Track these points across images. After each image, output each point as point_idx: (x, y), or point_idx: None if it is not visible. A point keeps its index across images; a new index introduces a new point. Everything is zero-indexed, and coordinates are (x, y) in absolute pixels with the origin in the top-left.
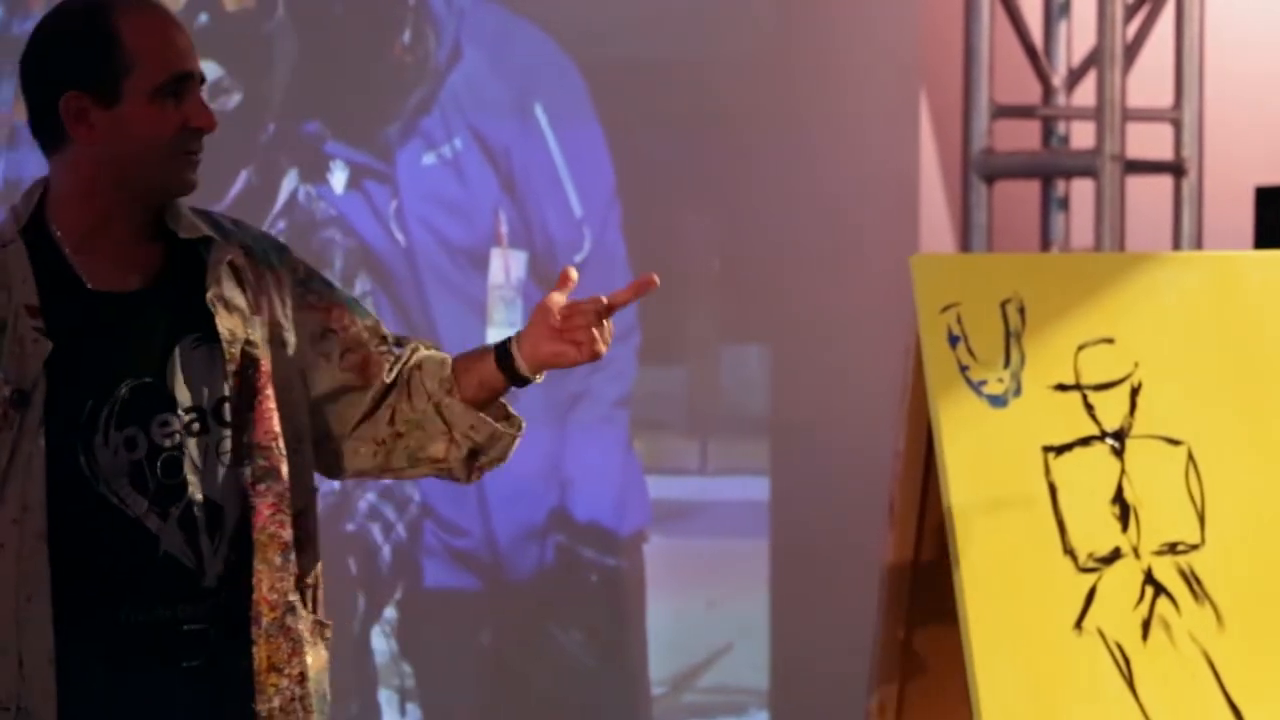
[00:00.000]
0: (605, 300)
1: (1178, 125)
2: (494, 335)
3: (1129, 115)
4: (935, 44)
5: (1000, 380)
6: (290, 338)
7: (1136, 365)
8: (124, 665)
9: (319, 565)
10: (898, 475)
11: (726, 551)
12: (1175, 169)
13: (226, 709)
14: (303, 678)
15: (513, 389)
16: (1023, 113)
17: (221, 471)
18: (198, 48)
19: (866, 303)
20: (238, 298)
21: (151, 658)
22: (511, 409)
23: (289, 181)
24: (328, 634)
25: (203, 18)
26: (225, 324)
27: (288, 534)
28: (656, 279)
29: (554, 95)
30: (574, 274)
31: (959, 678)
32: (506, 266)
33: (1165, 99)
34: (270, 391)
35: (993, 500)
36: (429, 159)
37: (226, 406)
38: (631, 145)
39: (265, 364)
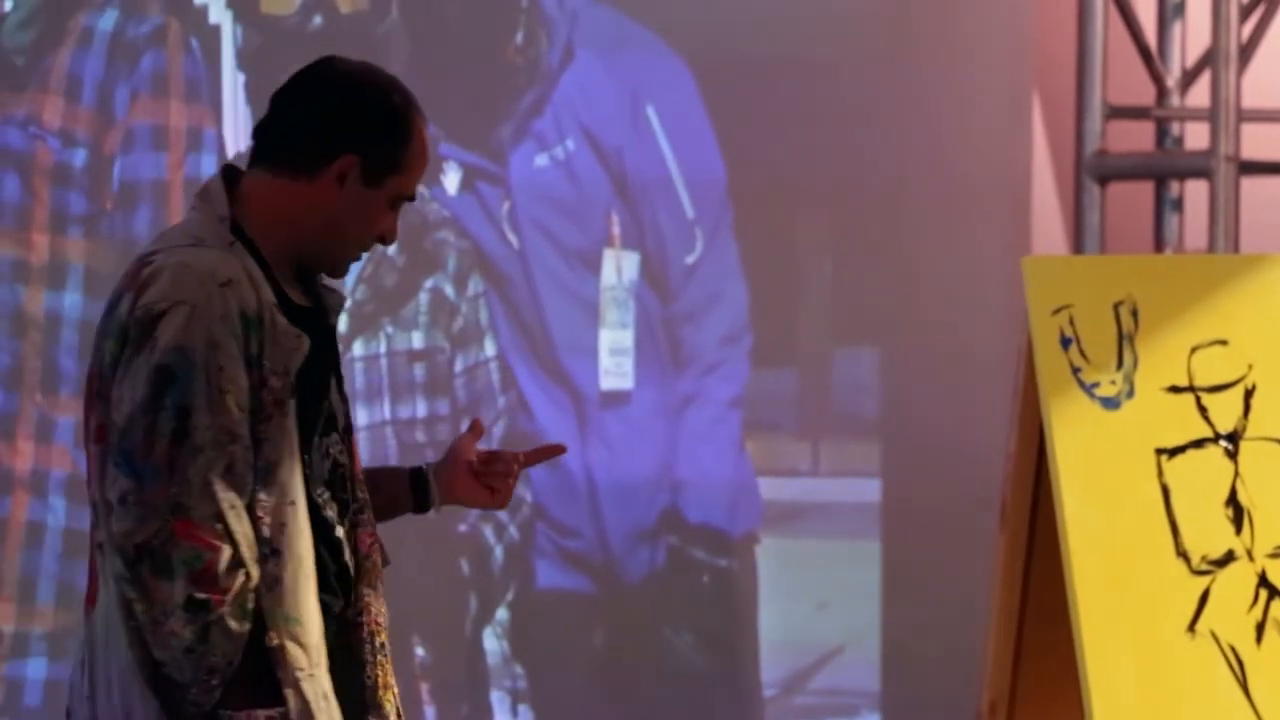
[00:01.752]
0: (521, 458)
1: None
2: (605, 337)
3: (1244, 116)
4: (1049, 45)
5: (1113, 382)
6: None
7: (1250, 367)
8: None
9: None
10: (1009, 477)
11: (838, 553)
12: None
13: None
14: (398, 695)
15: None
16: (1136, 114)
17: (351, 494)
18: (310, 50)
19: (978, 304)
20: None
21: (354, 645)
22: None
23: None
24: None
25: (317, 20)
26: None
27: (380, 564)
28: (566, 448)
29: (665, 96)
30: (482, 428)
31: (1071, 680)
32: (619, 268)
33: None
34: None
35: (1105, 502)
36: (541, 160)
37: (348, 435)
38: (743, 146)
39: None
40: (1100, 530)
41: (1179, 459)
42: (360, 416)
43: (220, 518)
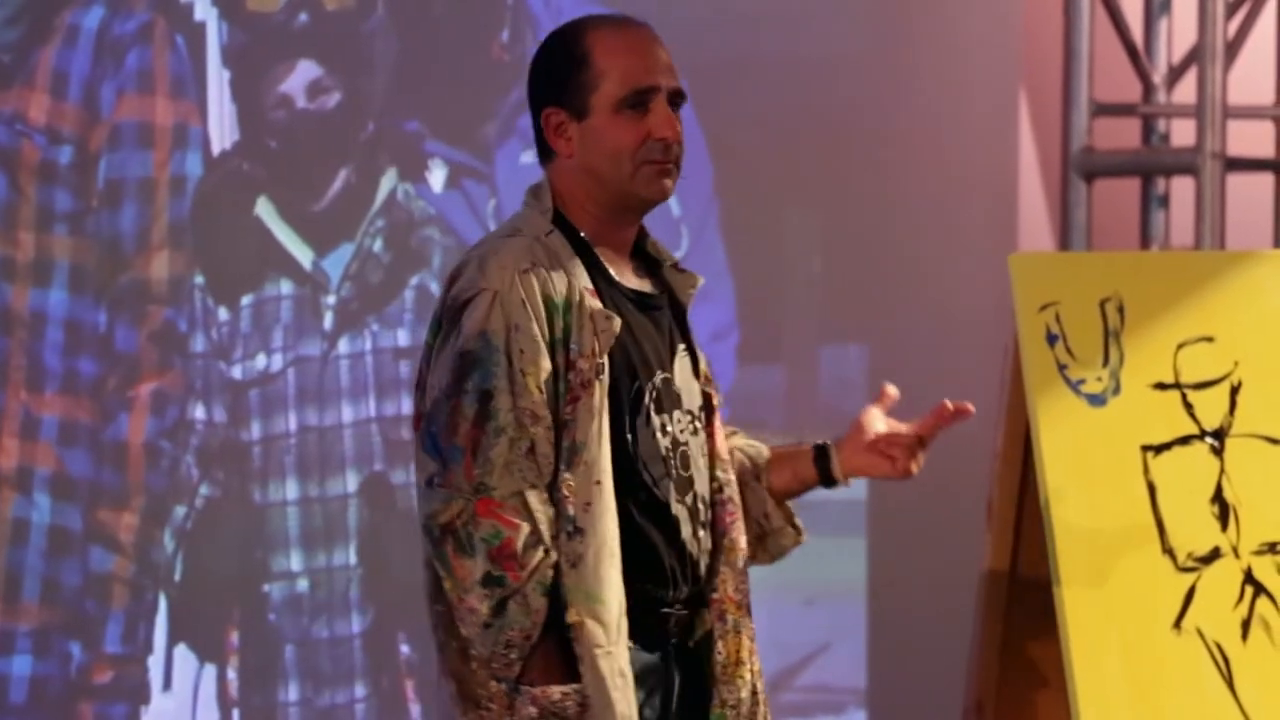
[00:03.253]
0: (921, 435)
1: (1279, 123)
2: None
3: (1230, 113)
4: (1035, 42)
5: (1099, 379)
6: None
7: (1236, 364)
8: (643, 638)
9: None
10: (996, 474)
11: (824, 550)
12: (1276, 166)
13: (702, 689)
14: (760, 673)
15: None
16: (1123, 111)
17: (706, 473)
18: (296, 48)
19: (965, 302)
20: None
21: (660, 634)
22: (799, 522)
23: (388, 180)
24: None
25: (302, 17)
26: (697, 343)
27: (744, 541)
28: (970, 408)
29: None
30: (893, 391)
31: (1057, 677)
32: None
33: (1267, 96)
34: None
35: (1091, 499)
36: (527, 158)
37: (703, 415)
38: (730, 144)
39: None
40: (1086, 527)
41: (1165, 456)
42: (346, 413)
43: (520, 496)
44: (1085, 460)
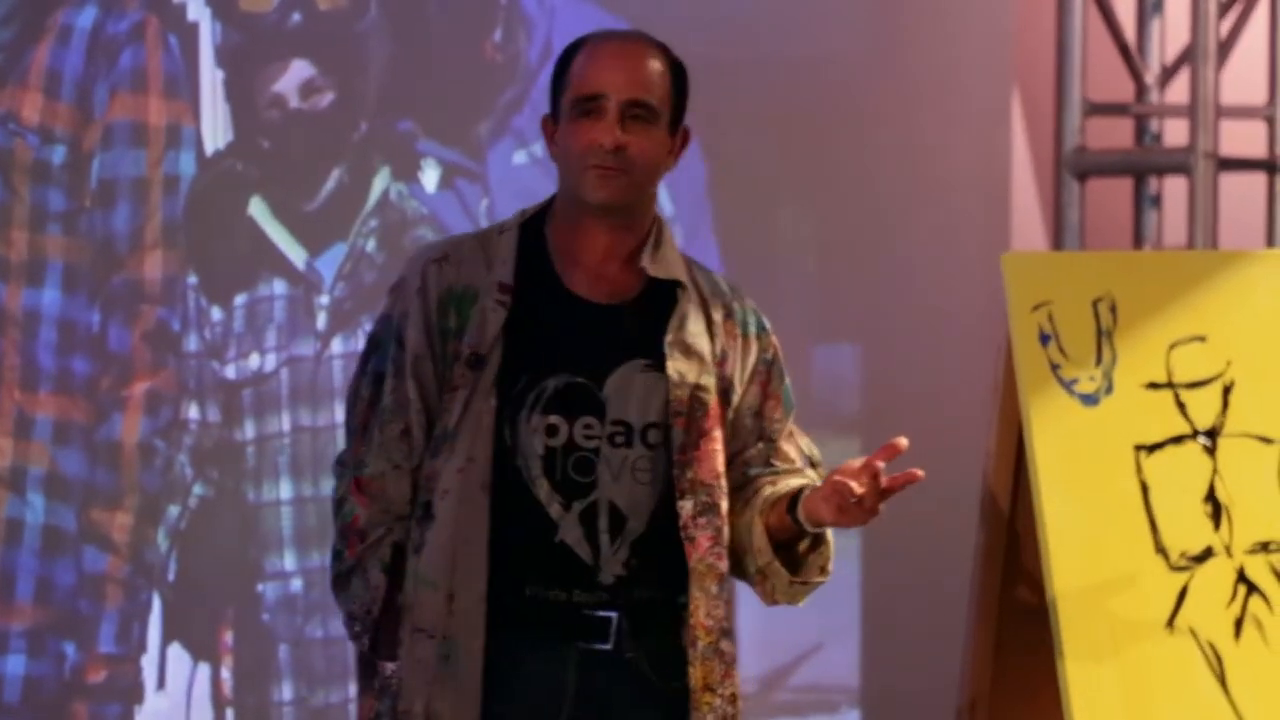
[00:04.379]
0: (872, 494)
1: (1272, 122)
2: None
3: (1222, 112)
4: (1028, 42)
5: (1092, 379)
6: (735, 399)
7: (1229, 364)
8: (529, 635)
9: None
10: (989, 473)
11: None
12: (1269, 166)
13: (623, 697)
14: (734, 698)
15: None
16: (1115, 110)
17: (634, 487)
18: (289, 48)
19: (958, 301)
20: (703, 345)
21: (552, 632)
22: (829, 565)
23: (381, 180)
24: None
25: (295, 17)
26: (677, 367)
27: (724, 565)
28: (903, 443)
29: None
30: (903, 444)
31: (1050, 677)
32: None
33: (1259, 96)
34: (718, 434)
35: (1084, 499)
36: (520, 157)
37: (653, 432)
38: (723, 144)
39: (714, 408)
40: (1079, 526)
41: (1158, 455)
42: (339, 413)
43: (383, 476)
44: (1078, 460)
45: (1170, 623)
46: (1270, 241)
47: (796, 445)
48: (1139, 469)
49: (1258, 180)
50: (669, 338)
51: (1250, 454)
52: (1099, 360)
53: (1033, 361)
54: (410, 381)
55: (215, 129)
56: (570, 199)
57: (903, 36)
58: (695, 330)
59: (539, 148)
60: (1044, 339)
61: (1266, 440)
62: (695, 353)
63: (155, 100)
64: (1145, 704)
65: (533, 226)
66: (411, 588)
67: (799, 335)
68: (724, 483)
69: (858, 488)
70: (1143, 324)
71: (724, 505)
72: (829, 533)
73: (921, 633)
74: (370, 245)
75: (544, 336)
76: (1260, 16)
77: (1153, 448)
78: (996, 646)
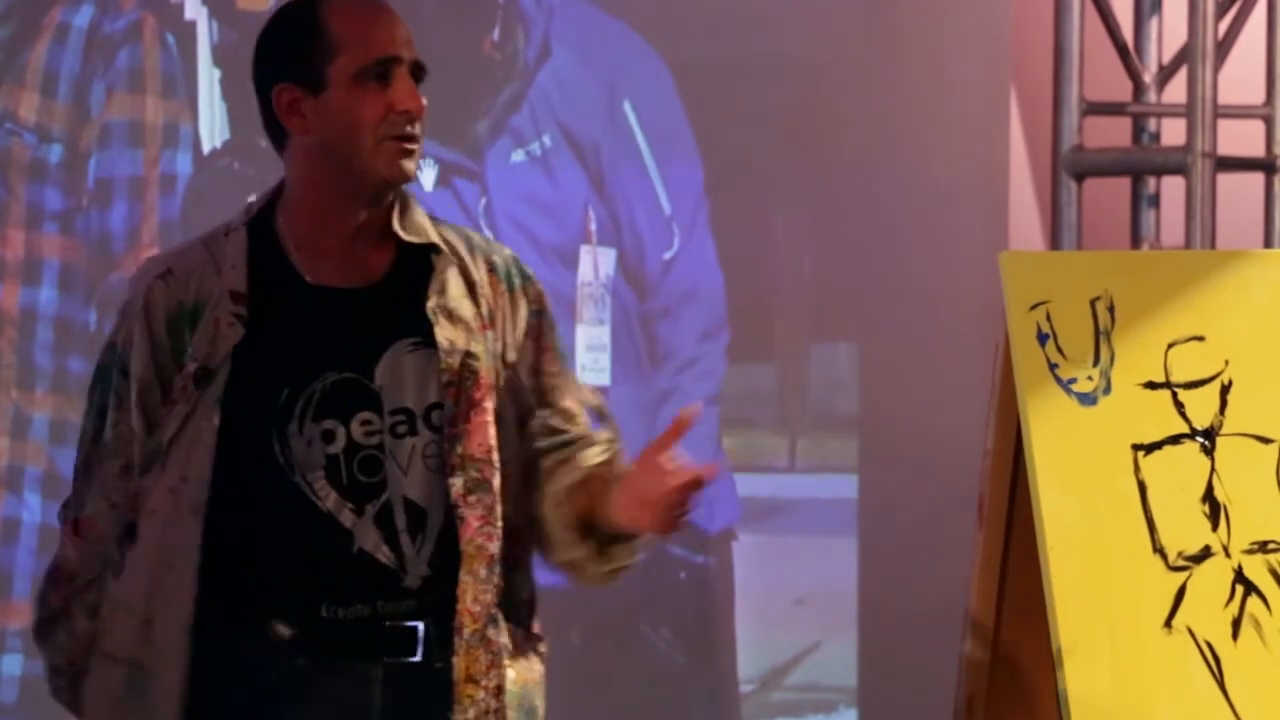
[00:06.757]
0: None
1: (1269, 122)
2: (582, 333)
3: (1220, 112)
4: (1026, 41)
5: (1090, 378)
6: (512, 357)
7: (1227, 363)
8: (327, 657)
9: (533, 582)
10: (987, 474)
11: (815, 549)
12: (1267, 166)
13: (432, 711)
14: (499, 690)
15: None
16: (1113, 110)
17: (427, 476)
18: None
19: (955, 301)
20: (465, 309)
21: (355, 651)
22: (639, 544)
23: None
24: (542, 648)
25: None
26: (445, 334)
27: (494, 546)
28: (695, 412)
29: (643, 93)
30: (690, 413)
31: (1048, 676)
32: (596, 264)
33: (1257, 96)
34: (489, 404)
35: (1082, 498)
36: (518, 156)
37: (436, 413)
38: (720, 143)
39: (486, 377)
40: (1077, 526)
41: (1155, 455)
42: None
43: (101, 517)
44: (1076, 459)
45: (1168, 622)
46: (1268, 241)
47: (577, 398)
48: (1137, 468)
49: (1255, 180)
50: (431, 304)
51: (1248, 454)
52: (1097, 360)
53: (1030, 361)
54: (134, 413)
55: (213, 128)
56: (351, 174)
57: (900, 36)
58: (457, 294)
59: (537, 146)
60: (1042, 338)
61: (1264, 440)
62: (460, 319)
63: (152, 99)
64: (1142, 704)
65: (262, 222)
66: (106, 611)
67: (797, 335)
68: (496, 457)
69: (672, 492)
70: (1141, 323)
71: (495, 482)
72: None
73: (919, 632)
74: None
75: (295, 340)
76: (1258, 16)
77: (1150, 447)
78: (994, 646)
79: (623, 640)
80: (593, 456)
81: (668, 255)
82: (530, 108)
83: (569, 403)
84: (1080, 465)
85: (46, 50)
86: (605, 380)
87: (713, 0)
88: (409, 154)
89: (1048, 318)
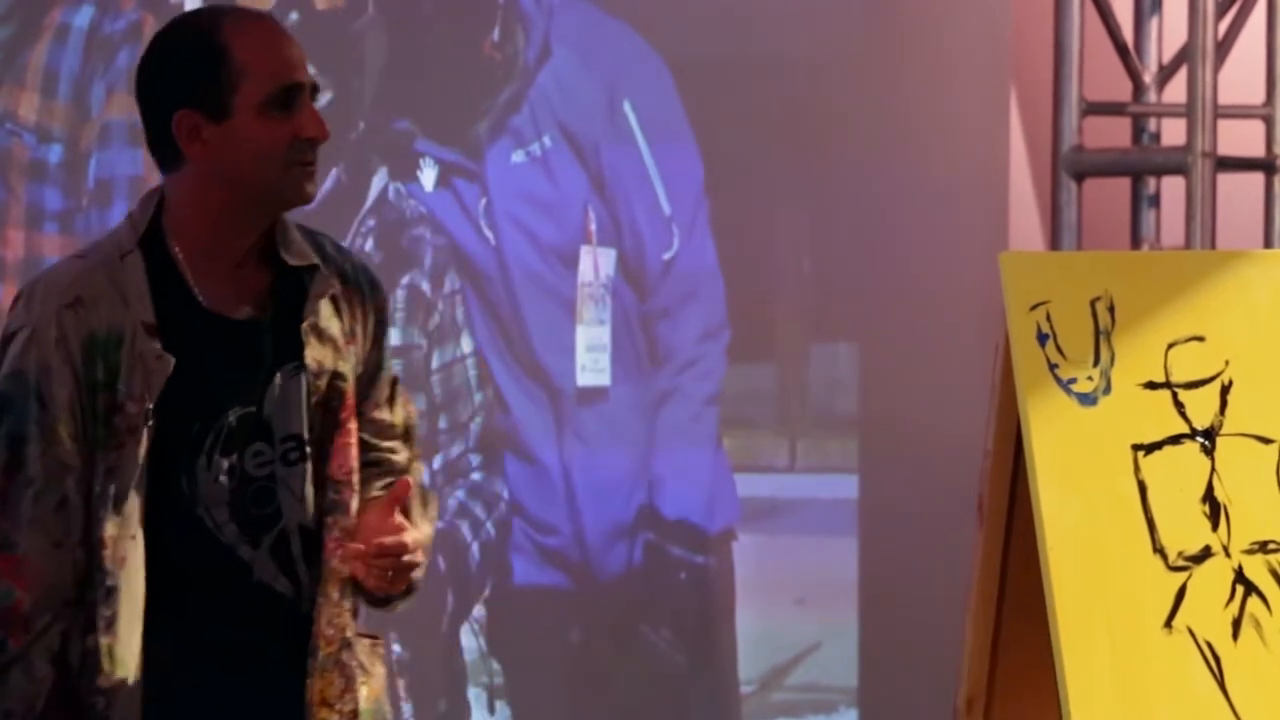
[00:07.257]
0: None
1: (1269, 122)
2: (583, 333)
3: (1220, 112)
4: (1026, 42)
5: (1090, 378)
6: (360, 369)
7: (1227, 363)
8: (221, 680)
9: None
10: (987, 473)
11: (815, 549)
12: (1267, 166)
13: None
14: (354, 714)
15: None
16: (1113, 110)
17: (313, 500)
18: None
19: (956, 300)
20: (333, 327)
21: (248, 674)
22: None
23: (379, 179)
24: (380, 649)
25: (293, 16)
26: (314, 355)
27: (347, 569)
28: (410, 484)
29: (643, 93)
30: (408, 484)
31: (1048, 676)
32: (596, 264)
33: (1257, 96)
34: (353, 425)
35: (1082, 499)
36: (518, 157)
37: (310, 438)
38: (720, 143)
39: (351, 398)
40: (1077, 526)
41: (1155, 455)
42: None
43: (41, 555)
44: (1076, 459)
45: (1168, 623)
46: (1268, 241)
47: (392, 408)
48: (1137, 469)
49: (1255, 180)
50: (305, 324)
51: (1248, 454)
52: (1097, 360)
53: (1030, 361)
54: (65, 445)
55: None
56: (253, 199)
57: (900, 35)
58: (326, 313)
59: (537, 146)
60: (1042, 339)
61: (1264, 440)
62: (329, 337)
63: None
64: (1143, 704)
65: (153, 243)
66: (113, 669)
67: (797, 335)
68: (356, 479)
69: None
70: (1141, 324)
71: (354, 504)
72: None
73: (919, 632)
74: (368, 245)
75: (203, 374)
76: (1258, 16)
77: (1150, 447)
78: (994, 646)
79: (623, 640)
80: (376, 488)
81: (668, 255)
82: (530, 108)
83: (386, 415)
84: (1080, 465)
85: (47, 50)
86: (605, 380)
87: (713, 0)
88: (311, 177)
89: (1048, 318)
